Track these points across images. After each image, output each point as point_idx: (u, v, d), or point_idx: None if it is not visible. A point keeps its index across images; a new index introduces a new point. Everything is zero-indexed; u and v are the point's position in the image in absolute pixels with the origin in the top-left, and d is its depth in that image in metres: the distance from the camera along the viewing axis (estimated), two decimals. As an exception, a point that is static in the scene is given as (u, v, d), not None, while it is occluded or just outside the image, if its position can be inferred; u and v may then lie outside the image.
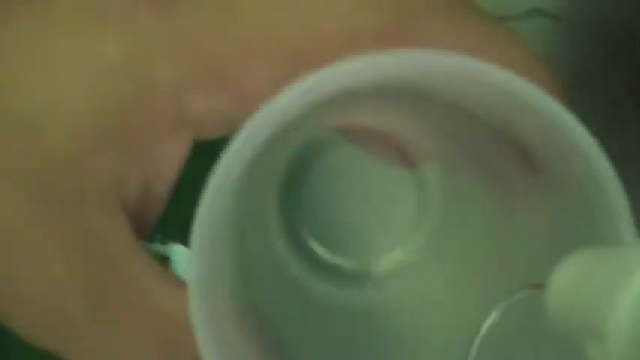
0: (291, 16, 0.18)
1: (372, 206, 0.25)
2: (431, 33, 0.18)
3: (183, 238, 0.20)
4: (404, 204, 0.25)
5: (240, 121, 0.17)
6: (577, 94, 0.19)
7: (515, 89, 0.17)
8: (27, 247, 0.18)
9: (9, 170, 0.18)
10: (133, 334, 0.18)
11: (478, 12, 0.19)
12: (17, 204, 0.18)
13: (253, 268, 0.22)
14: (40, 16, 0.18)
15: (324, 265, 0.25)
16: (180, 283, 0.19)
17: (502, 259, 0.22)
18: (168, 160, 0.19)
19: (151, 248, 0.21)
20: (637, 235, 0.17)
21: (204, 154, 0.19)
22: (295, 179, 0.25)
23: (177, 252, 0.25)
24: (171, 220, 0.21)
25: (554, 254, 0.16)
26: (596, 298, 0.14)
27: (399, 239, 0.25)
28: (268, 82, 0.18)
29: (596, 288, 0.14)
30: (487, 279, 0.22)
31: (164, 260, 0.26)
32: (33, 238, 0.18)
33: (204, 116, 0.19)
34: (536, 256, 0.20)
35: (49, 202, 0.18)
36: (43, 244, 0.18)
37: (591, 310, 0.14)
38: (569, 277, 0.16)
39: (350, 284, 0.25)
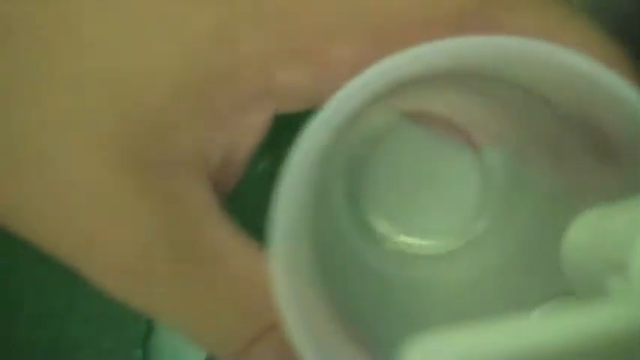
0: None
1: (436, 188, 0.25)
2: (513, 18, 0.19)
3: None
4: (468, 187, 0.25)
5: (320, 98, 0.18)
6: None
7: (598, 77, 0.17)
8: (113, 211, 0.19)
9: (96, 131, 0.18)
10: (211, 296, 0.19)
11: None
12: (103, 167, 0.18)
13: (325, 253, 0.23)
14: None
15: (390, 246, 0.25)
16: (259, 249, 0.19)
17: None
18: (250, 131, 0.20)
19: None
20: None
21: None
22: (361, 161, 0.25)
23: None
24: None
25: None
26: (618, 235, 0.15)
27: (462, 221, 0.25)
28: (351, 61, 0.18)
29: (618, 227, 0.15)
30: (543, 265, 0.22)
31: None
32: (119, 202, 0.19)
33: (287, 90, 0.19)
34: None
35: (135, 165, 0.19)
36: (130, 208, 0.19)
37: (613, 247, 0.15)
38: (590, 222, 0.16)
39: (413, 263, 0.25)
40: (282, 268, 0.17)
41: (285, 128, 0.19)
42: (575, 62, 0.17)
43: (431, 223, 0.25)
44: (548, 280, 0.19)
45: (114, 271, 0.19)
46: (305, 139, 0.17)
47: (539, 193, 0.24)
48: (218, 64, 0.19)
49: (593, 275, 0.16)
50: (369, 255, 0.25)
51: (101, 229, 0.19)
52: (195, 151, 0.19)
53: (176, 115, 0.19)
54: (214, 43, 0.18)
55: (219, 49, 0.18)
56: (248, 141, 0.20)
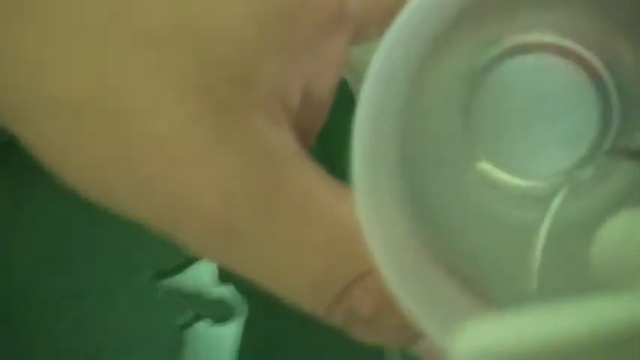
0: None
1: (550, 121, 0.23)
2: None
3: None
4: (586, 118, 0.23)
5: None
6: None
7: None
8: (198, 162, 0.18)
9: (178, 83, 0.18)
10: (301, 242, 0.18)
11: None
12: (187, 119, 0.18)
13: (419, 179, 0.21)
14: None
15: (495, 184, 0.23)
16: (347, 192, 0.18)
17: None
18: (329, 62, 0.18)
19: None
20: None
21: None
22: (468, 91, 0.23)
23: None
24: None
25: None
26: None
27: (579, 156, 0.23)
28: None
29: None
30: None
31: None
32: (200, 151, 0.18)
33: (364, 12, 0.18)
34: None
35: (216, 114, 0.18)
36: (213, 157, 0.18)
37: None
38: (624, 222, 0.16)
39: (520, 203, 0.23)
40: (370, 206, 0.16)
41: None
42: None
43: (541, 163, 0.23)
44: None
45: (199, 224, 0.18)
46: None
47: None
48: None
49: (622, 277, 0.15)
50: (472, 189, 0.23)
51: (186, 180, 0.18)
52: (273, 88, 0.18)
53: (249, 50, 0.18)
54: None
55: None
56: (327, 76, 0.19)
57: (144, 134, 0.18)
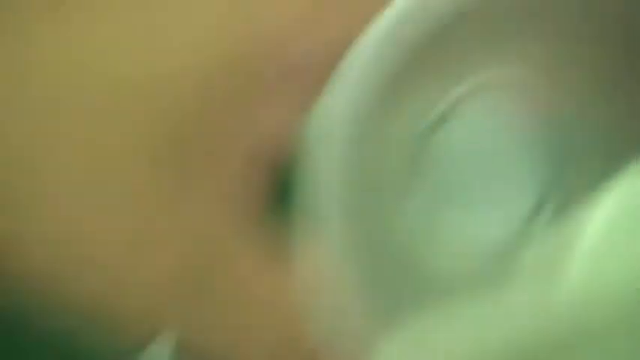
0: None
1: (502, 163, 0.23)
2: None
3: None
4: (539, 156, 0.23)
5: None
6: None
7: None
8: (136, 237, 0.17)
9: (124, 138, 0.17)
10: (240, 325, 0.17)
11: None
12: (125, 183, 0.17)
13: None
14: None
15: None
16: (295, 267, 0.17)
17: None
18: (279, 123, 0.18)
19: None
20: None
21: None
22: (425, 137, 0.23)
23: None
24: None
25: None
26: None
27: (532, 201, 0.23)
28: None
29: None
30: None
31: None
32: (143, 228, 0.17)
33: (318, 60, 0.17)
34: None
35: (166, 175, 0.17)
36: (154, 233, 0.17)
37: None
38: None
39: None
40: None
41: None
42: None
43: (493, 209, 0.23)
44: None
45: (137, 302, 0.17)
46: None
47: (609, 151, 0.22)
48: (239, 50, 0.17)
49: None
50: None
51: (123, 250, 0.17)
52: (219, 154, 0.17)
53: (195, 112, 0.17)
54: (233, 29, 0.17)
55: (238, 34, 0.17)
56: (278, 137, 0.18)
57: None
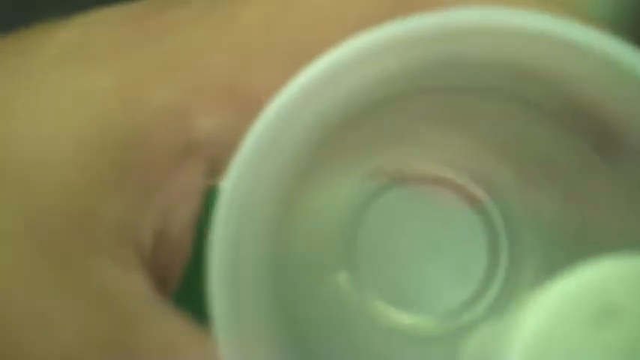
0: (292, 13, 0.16)
1: (434, 259, 0.22)
2: None
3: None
4: (474, 250, 0.22)
5: None
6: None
7: (607, 50, 0.14)
8: (30, 315, 0.15)
9: (4, 230, 0.16)
10: None
11: None
12: (15, 267, 0.16)
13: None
14: (18, 64, 0.17)
15: (378, 321, 0.21)
16: (211, 339, 0.16)
17: None
18: (183, 197, 0.17)
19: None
20: None
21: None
22: (349, 226, 0.22)
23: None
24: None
25: None
26: None
27: (466, 295, 0.21)
28: (277, 86, 0.16)
29: None
30: None
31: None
32: (36, 305, 0.16)
33: (214, 136, 0.16)
34: None
35: (52, 260, 0.16)
36: (49, 310, 0.15)
37: None
38: None
39: (399, 342, 0.21)
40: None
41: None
42: (579, 35, 0.14)
43: (429, 299, 0.21)
44: None
45: None
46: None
47: (549, 243, 0.20)
48: (126, 124, 0.16)
49: None
50: (353, 324, 0.21)
51: (19, 340, 0.16)
52: (119, 229, 0.16)
53: (87, 193, 0.16)
54: (118, 104, 0.16)
55: (124, 109, 0.16)
56: (183, 209, 0.17)
57: None
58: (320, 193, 0.20)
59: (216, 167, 0.17)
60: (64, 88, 0.16)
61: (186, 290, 0.18)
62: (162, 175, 0.16)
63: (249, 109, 0.16)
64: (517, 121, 0.19)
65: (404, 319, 0.21)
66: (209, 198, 0.17)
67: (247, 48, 0.16)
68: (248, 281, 0.15)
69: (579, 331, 0.13)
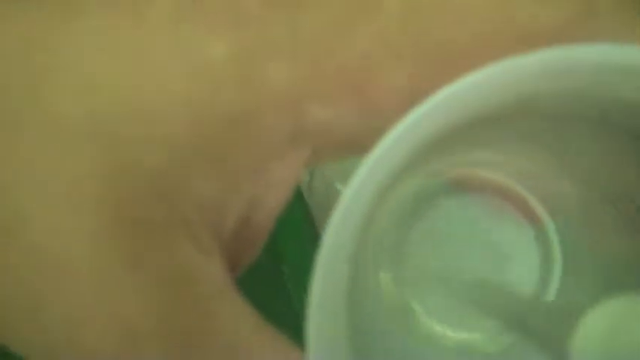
0: (442, 12, 0.15)
1: (488, 267, 0.21)
2: (615, 34, 0.14)
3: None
4: (526, 265, 0.21)
5: (365, 140, 0.14)
6: None
7: None
8: (97, 289, 0.14)
9: (80, 191, 0.14)
10: None
11: None
12: (82, 228, 0.14)
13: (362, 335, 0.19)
14: (130, 14, 0.15)
15: (439, 340, 0.21)
16: (278, 338, 0.15)
17: None
18: (278, 185, 0.15)
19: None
20: None
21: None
22: (402, 231, 0.21)
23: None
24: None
25: None
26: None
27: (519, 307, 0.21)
28: (405, 93, 0.14)
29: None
30: None
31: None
32: (105, 277, 0.14)
33: (324, 131, 0.15)
34: None
35: (124, 228, 0.14)
36: (117, 285, 0.14)
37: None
38: (603, 326, 0.13)
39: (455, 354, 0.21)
40: None
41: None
42: None
43: (479, 315, 0.21)
44: None
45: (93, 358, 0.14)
46: (343, 213, 0.13)
47: (607, 267, 0.20)
48: (237, 98, 0.14)
49: None
50: (410, 343, 0.20)
51: (80, 313, 0.14)
52: (205, 210, 0.15)
53: (181, 164, 0.14)
54: (232, 75, 0.14)
55: (237, 81, 0.14)
56: (274, 197, 0.16)
57: (36, 248, 0.14)
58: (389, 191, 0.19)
59: (314, 158, 0.16)
60: (176, 48, 0.14)
61: (251, 278, 0.17)
62: (263, 161, 0.15)
63: (369, 108, 0.15)
64: (600, 147, 0.18)
65: (456, 336, 0.20)
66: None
67: (385, 41, 0.14)
68: (336, 320, 0.14)
69: None
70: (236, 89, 0.14)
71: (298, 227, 0.25)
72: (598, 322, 0.13)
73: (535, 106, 0.16)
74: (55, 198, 0.14)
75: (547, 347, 0.16)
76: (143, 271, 0.14)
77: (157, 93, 0.14)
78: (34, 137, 0.14)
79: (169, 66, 0.14)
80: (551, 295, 0.21)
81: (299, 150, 0.15)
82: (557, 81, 0.14)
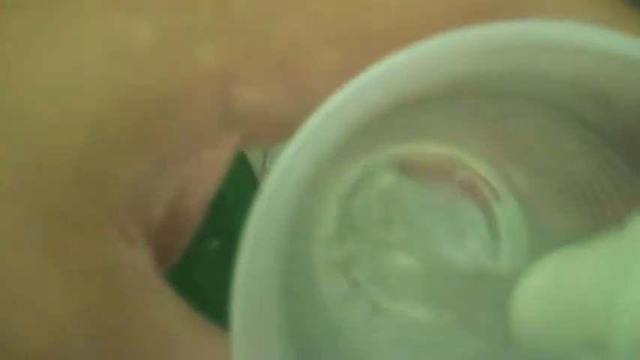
0: None
1: (434, 250, 0.21)
2: (556, 11, 0.14)
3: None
4: (477, 243, 0.21)
5: (296, 122, 0.13)
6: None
7: None
8: (14, 280, 0.14)
9: (4, 187, 0.14)
10: None
11: None
12: (5, 218, 0.14)
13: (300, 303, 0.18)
14: (62, 3, 0.14)
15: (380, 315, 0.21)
16: (210, 327, 0.15)
17: None
18: (208, 171, 0.15)
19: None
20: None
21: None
22: (346, 213, 0.21)
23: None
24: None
25: None
26: (586, 303, 0.12)
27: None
28: (335, 77, 0.14)
29: (584, 290, 0.12)
30: None
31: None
32: (23, 269, 0.14)
33: (255, 114, 0.15)
34: None
35: (47, 221, 0.14)
36: (37, 276, 0.14)
37: (582, 318, 0.12)
38: (543, 284, 0.13)
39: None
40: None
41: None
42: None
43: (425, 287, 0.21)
44: None
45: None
46: (273, 182, 0.12)
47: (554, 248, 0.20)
48: (163, 88, 0.14)
49: (555, 346, 0.13)
50: (353, 321, 0.20)
51: (5, 311, 0.14)
52: (132, 199, 0.14)
53: (106, 151, 0.14)
54: (157, 63, 0.14)
55: (164, 70, 0.14)
56: (203, 184, 0.15)
57: None
58: (331, 178, 0.19)
59: (245, 143, 0.15)
60: (101, 34, 0.14)
61: (184, 264, 0.16)
62: (191, 145, 0.15)
63: (299, 91, 0.14)
64: (550, 131, 0.18)
65: (400, 309, 0.20)
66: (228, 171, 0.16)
67: (315, 24, 0.14)
68: (267, 277, 0.14)
69: None
70: (162, 72, 0.14)
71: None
72: (536, 282, 0.13)
73: (475, 86, 0.16)
74: None
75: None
76: (68, 264, 0.14)
77: (76, 78, 0.14)
78: None
79: (92, 51, 0.14)
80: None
81: (229, 134, 0.15)
82: (493, 59, 0.14)
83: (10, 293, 0.14)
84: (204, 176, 0.15)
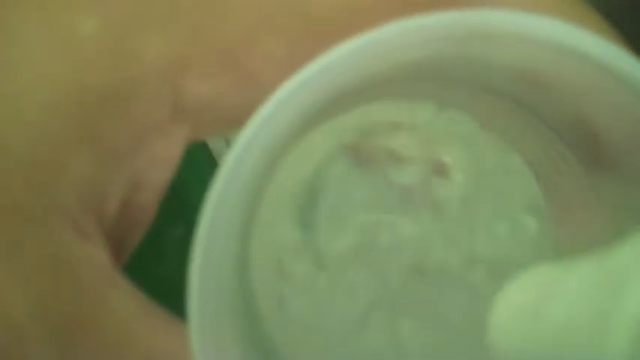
0: None
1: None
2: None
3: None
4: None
5: (246, 112, 0.13)
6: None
7: (610, 61, 0.14)
8: None
9: None
10: None
11: None
12: None
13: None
14: None
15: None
16: (169, 319, 0.15)
17: None
18: (159, 163, 0.15)
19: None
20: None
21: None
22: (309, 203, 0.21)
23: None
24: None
25: None
26: (577, 321, 0.11)
27: None
28: (284, 65, 0.14)
29: (574, 307, 0.11)
30: None
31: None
32: None
33: (205, 105, 0.15)
34: None
35: (3, 219, 0.14)
36: None
37: (569, 334, 0.11)
38: (525, 299, 0.12)
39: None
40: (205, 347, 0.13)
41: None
42: (587, 44, 0.13)
43: None
44: None
45: None
46: (225, 173, 0.12)
47: None
48: (109, 80, 0.14)
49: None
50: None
51: None
52: (84, 194, 0.14)
53: (55, 147, 0.14)
54: (102, 52, 0.14)
55: (109, 61, 0.14)
56: (156, 177, 0.15)
57: None
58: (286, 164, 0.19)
59: (198, 133, 0.15)
60: (44, 27, 0.14)
61: (139, 258, 0.16)
62: (141, 137, 0.14)
63: (248, 81, 0.14)
64: (506, 121, 0.18)
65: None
66: (181, 163, 0.16)
67: (262, 13, 0.14)
68: (224, 269, 0.14)
69: None
70: (107, 64, 0.14)
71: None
72: (517, 296, 0.13)
73: (428, 72, 0.16)
74: None
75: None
76: (22, 260, 0.14)
77: (18, 72, 0.14)
78: None
79: (35, 44, 0.14)
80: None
81: (180, 126, 0.15)
82: (438, 47, 0.14)
83: None
84: (156, 170, 0.15)
